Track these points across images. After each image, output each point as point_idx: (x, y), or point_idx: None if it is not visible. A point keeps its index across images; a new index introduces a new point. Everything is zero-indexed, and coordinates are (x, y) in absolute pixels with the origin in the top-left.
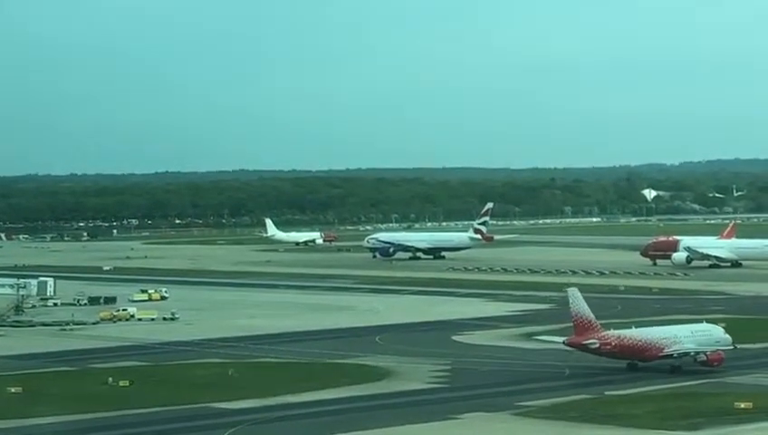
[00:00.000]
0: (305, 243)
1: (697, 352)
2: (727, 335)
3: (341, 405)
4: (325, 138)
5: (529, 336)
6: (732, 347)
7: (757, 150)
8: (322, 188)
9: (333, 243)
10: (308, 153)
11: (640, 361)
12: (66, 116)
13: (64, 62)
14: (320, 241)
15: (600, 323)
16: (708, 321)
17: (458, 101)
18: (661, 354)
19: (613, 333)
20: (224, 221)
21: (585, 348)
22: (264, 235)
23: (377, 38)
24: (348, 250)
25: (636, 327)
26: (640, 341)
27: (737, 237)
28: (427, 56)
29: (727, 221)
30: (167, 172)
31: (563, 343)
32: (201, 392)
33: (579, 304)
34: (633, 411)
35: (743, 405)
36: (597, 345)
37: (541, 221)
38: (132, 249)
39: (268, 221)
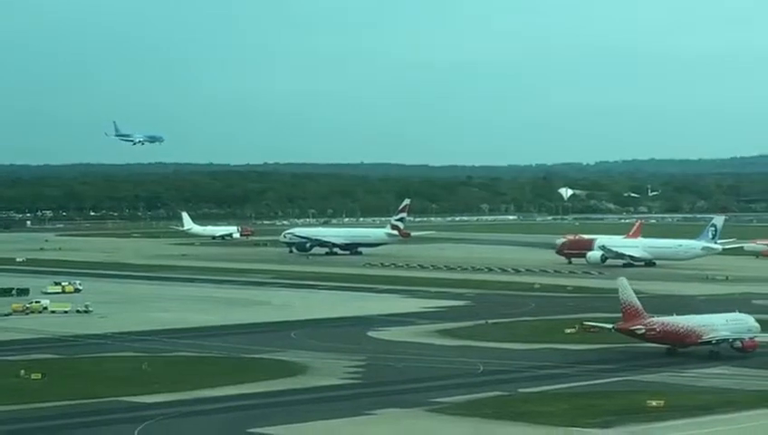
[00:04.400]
0: (222, 237)
1: (734, 339)
2: (757, 324)
3: (256, 400)
4: (243, 132)
5: (444, 333)
6: None
7: (672, 151)
8: (240, 182)
9: (250, 237)
10: (225, 147)
11: (680, 346)
12: None
13: None
14: (236, 235)
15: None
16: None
17: (376, 98)
18: (700, 341)
19: (658, 319)
20: (139, 214)
21: (632, 333)
22: (181, 228)
23: (291, 36)
24: (264, 245)
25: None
26: (682, 327)
27: (651, 237)
28: (345, 55)
29: (641, 220)
30: (82, 164)
31: (612, 328)
32: (114, 386)
33: (627, 292)
34: (546, 409)
35: (654, 403)
36: (643, 331)
37: (458, 218)
38: (46, 241)
39: (184, 215)
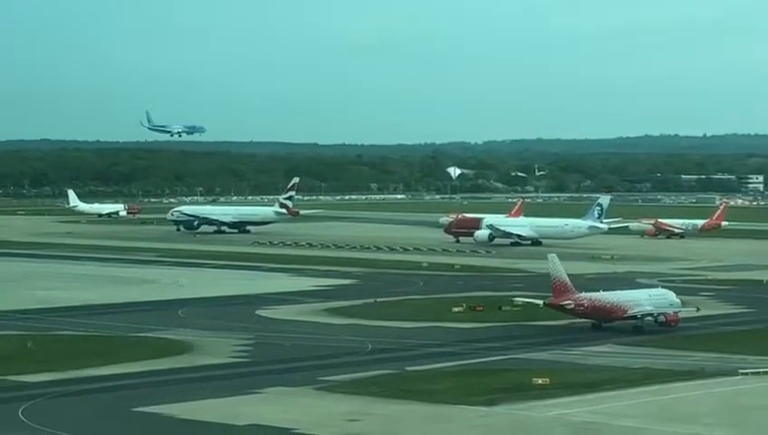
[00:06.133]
0: (108, 215)
1: (659, 314)
2: (678, 299)
3: (142, 379)
4: (131, 108)
5: (333, 311)
6: (695, 309)
7: (559, 131)
8: (127, 159)
9: (137, 215)
10: (113, 124)
11: (606, 321)
12: None
13: None
14: (123, 213)
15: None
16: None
17: (266, 76)
18: (625, 315)
19: (586, 295)
20: (24, 192)
21: (562, 308)
22: (66, 206)
23: (173, 10)
24: (151, 223)
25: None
26: (608, 303)
27: (538, 216)
28: (231, 29)
29: (528, 200)
30: None
31: (543, 303)
32: None
33: (557, 268)
34: (434, 387)
35: (540, 381)
36: (572, 306)
37: (347, 197)
38: None
39: (70, 192)
